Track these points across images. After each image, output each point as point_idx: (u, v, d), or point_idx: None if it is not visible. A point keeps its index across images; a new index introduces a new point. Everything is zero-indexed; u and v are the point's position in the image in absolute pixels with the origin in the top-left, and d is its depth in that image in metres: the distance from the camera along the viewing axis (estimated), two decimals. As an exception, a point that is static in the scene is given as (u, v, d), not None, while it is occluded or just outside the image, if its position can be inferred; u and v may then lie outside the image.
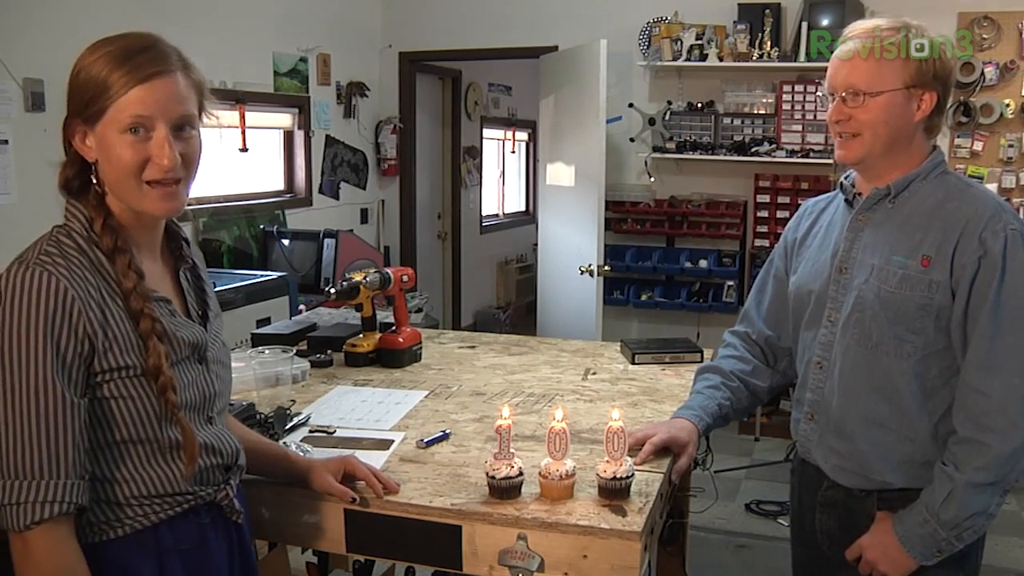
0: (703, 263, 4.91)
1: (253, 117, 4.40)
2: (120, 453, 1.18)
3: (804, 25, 4.42)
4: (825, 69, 1.54)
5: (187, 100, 1.20)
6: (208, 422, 1.30)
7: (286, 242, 4.41)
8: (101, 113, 1.16)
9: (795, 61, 4.49)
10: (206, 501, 1.27)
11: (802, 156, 4.59)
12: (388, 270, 2.30)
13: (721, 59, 4.62)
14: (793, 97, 4.62)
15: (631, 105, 4.90)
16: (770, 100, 4.74)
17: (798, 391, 1.69)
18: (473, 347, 2.48)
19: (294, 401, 1.94)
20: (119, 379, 1.16)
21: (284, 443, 1.66)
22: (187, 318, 1.29)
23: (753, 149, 4.70)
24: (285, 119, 4.81)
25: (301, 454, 1.58)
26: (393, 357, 2.25)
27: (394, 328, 2.29)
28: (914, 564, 1.49)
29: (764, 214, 4.80)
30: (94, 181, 1.20)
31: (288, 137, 4.90)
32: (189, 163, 1.21)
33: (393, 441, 1.70)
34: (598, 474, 1.43)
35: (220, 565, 1.31)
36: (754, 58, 4.56)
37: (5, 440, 1.09)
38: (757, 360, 1.79)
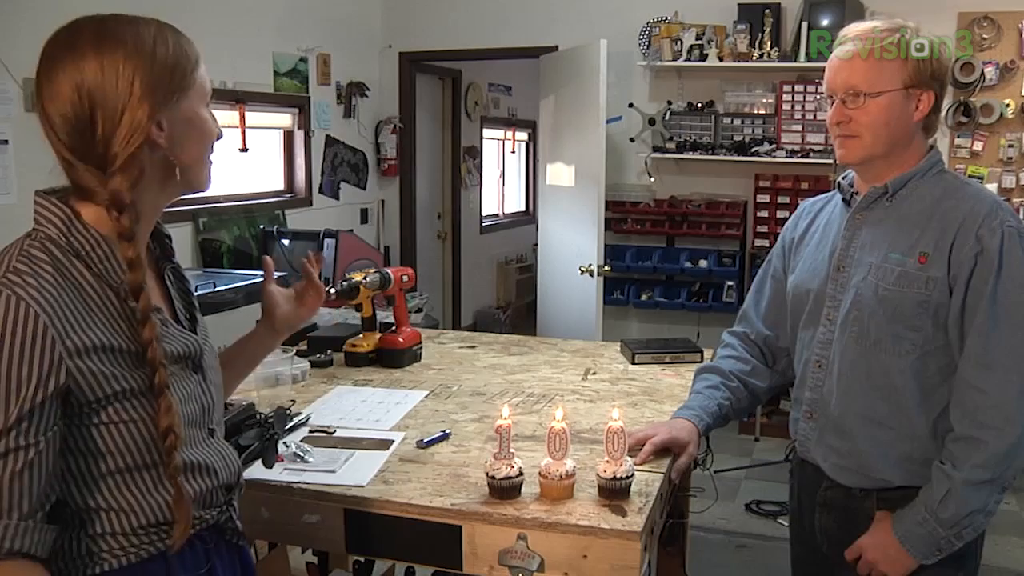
0: (703, 263, 4.92)
1: (253, 117, 4.40)
2: (124, 481, 1.05)
3: (804, 25, 4.42)
4: (825, 69, 1.55)
5: None
6: (210, 435, 1.19)
7: (286, 242, 4.40)
8: (188, 87, 1.07)
9: (795, 61, 4.49)
10: (209, 524, 1.17)
11: (802, 156, 4.60)
12: (388, 270, 2.30)
13: (721, 59, 4.62)
14: (793, 97, 4.63)
15: (631, 105, 4.90)
16: (770, 100, 4.74)
17: (796, 390, 1.69)
18: (473, 347, 2.48)
19: (294, 401, 1.94)
20: (114, 403, 1.02)
21: (284, 444, 1.65)
22: (178, 325, 1.17)
23: (753, 149, 4.71)
24: (285, 119, 4.81)
25: (301, 454, 1.59)
26: (393, 357, 2.25)
27: (394, 328, 2.29)
28: (914, 563, 1.49)
29: (764, 214, 4.80)
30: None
31: (288, 137, 4.90)
32: None
33: (393, 441, 1.70)
34: (598, 474, 1.43)
35: None
36: (754, 58, 4.56)
37: None
38: (756, 360, 1.80)
